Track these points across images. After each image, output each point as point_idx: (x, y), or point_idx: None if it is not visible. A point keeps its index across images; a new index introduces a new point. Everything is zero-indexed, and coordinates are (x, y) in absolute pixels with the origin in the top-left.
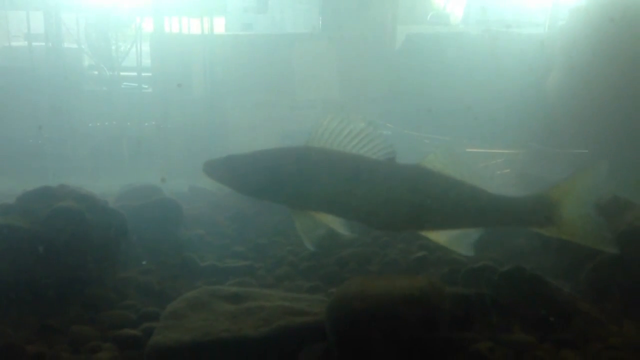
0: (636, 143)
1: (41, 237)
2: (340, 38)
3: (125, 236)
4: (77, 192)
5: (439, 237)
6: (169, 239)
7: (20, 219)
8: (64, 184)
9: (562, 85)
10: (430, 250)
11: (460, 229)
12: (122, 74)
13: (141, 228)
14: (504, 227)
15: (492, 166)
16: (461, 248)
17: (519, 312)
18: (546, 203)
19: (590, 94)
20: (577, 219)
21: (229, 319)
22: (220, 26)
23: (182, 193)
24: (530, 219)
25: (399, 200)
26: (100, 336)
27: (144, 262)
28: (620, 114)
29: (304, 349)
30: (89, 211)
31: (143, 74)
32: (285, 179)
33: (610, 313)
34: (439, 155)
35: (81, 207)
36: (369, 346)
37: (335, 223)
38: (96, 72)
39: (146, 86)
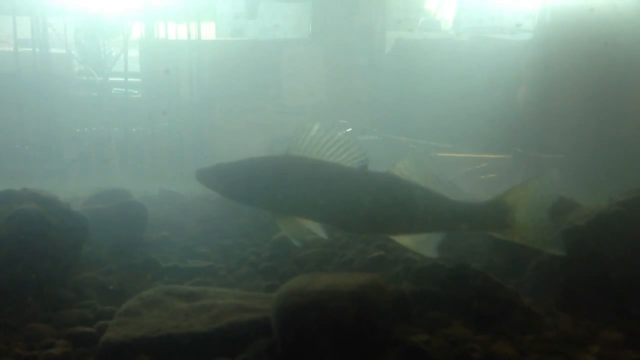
0: (609, 149)
1: (1, 239)
2: (330, 44)
3: (86, 238)
4: (39, 195)
5: (406, 240)
6: (133, 241)
7: None
8: (26, 187)
9: (532, 94)
10: (387, 250)
11: (425, 232)
12: (111, 79)
13: (106, 230)
14: (464, 231)
15: (477, 171)
16: (426, 251)
17: (461, 307)
18: (501, 208)
19: (564, 102)
20: (529, 223)
21: (182, 316)
22: (210, 32)
23: (152, 196)
24: (487, 223)
25: (368, 206)
26: (55, 334)
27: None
28: (593, 122)
29: (251, 343)
30: (50, 214)
31: (131, 79)
32: (266, 187)
33: (549, 308)
34: (408, 163)
35: (42, 210)
36: (308, 339)
37: (314, 227)
38: (85, 78)
39: (135, 91)
